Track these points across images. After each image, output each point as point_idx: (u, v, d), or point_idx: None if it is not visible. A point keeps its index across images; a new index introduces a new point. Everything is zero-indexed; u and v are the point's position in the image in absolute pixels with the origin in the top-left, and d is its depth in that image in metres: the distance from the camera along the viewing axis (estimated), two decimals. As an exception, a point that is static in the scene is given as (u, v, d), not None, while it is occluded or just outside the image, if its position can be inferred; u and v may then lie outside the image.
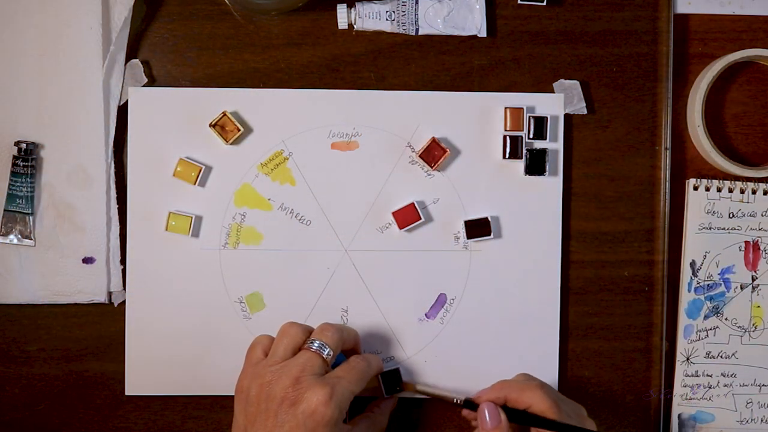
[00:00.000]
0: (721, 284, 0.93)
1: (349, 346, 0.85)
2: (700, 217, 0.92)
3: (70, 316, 0.90)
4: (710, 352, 0.93)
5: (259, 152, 0.90)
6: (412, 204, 0.90)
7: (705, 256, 0.92)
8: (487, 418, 0.81)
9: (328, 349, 0.81)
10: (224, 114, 0.88)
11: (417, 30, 0.89)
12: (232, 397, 0.86)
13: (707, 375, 0.93)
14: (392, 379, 0.88)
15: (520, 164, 0.90)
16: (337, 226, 0.90)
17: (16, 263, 0.89)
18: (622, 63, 0.92)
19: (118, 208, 0.89)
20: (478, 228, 0.90)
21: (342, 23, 0.89)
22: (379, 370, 0.86)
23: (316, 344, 0.81)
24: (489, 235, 0.90)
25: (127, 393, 0.90)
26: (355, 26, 0.90)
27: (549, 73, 0.91)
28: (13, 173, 0.88)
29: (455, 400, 0.86)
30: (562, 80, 0.91)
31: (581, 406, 0.84)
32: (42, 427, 0.90)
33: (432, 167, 0.89)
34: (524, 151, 0.90)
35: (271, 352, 0.81)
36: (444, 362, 0.91)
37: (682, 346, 0.93)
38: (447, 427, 0.92)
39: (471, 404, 0.84)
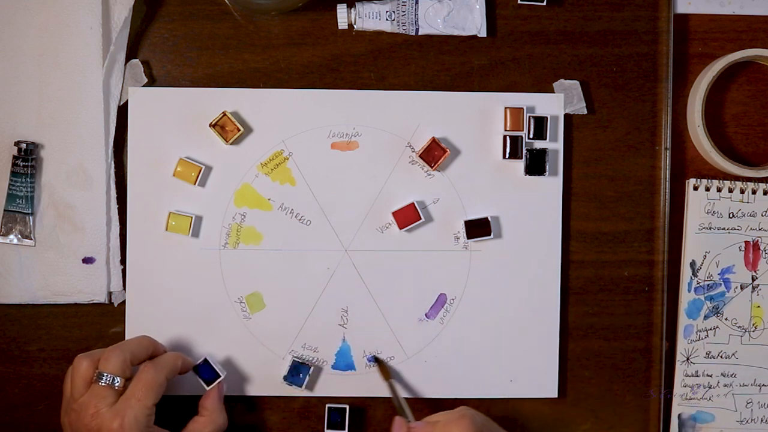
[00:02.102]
0: (721, 284, 0.93)
1: (145, 357, 0.84)
2: (700, 217, 0.92)
3: (70, 316, 0.90)
4: (710, 352, 0.93)
5: (259, 152, 0.90)
6: (412, 204, 0.90)
7: (705, 256, 0.92)
8: None
9: (117, 379, 0.81)
10: (224, 114, 0.88)
11: (417, 30, 0.89)
12: (233, 397, 0.87)
13: (707, 375, 0.93)
14: (208, 369, 0.87)
15: (520, 164, 0.90)
16: (337, 226, 0.90)
17: (16, 263, 0.89)
18: (622, 63, 0.92)
19: (118, 208, 0.89)
20: (478, 228, 0.90)
21: (342, 23, 0.89)
22: (175, 369, 0.85)
23: (103, 378, 0.81)
24: (489, 235, 0.90)
25: (127, 393, 0.90)
26: (355, 26, 0.90)
27: (549, 73, 0.91)
28: (13, 173, 0.88)
29: (408, 420, 0.85)
30: (562, 80, 0.91)
31: None
32: (42, 427, 0.90)
33: (432, 167, 0.89)
34: (524, 151, 0.90)
35: (71, 389, 0.83)
36: (444, 362, 0.91)
37: (682, 346, 0.93)
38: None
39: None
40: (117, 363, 0.82)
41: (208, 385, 0.87)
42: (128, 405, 0.80)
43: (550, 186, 0.91)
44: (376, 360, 0.90)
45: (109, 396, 0.81)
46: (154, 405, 0.82)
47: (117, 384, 0.81)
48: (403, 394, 0.90)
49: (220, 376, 0.87)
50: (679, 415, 0.93)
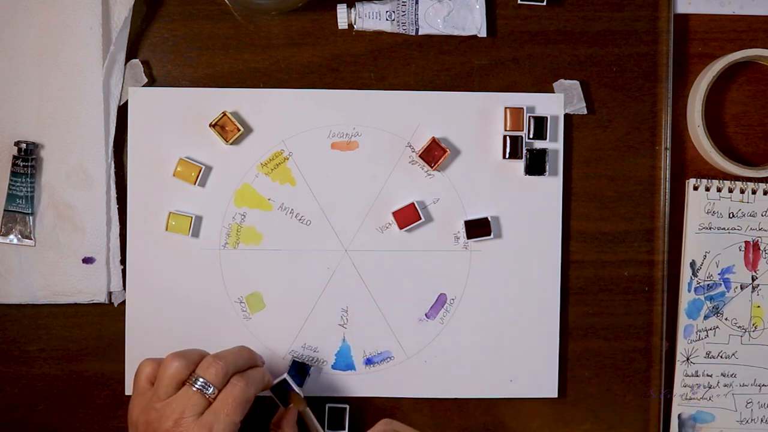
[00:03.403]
0: (721, 284, 0.93)
1: (242, 369, 0.83)
2: (700, 217, 0.92)
3: (70, 316, 0.90)
4: (710, 352, 0.93)
5: (259, 152, 0.90)
6: (412, 204, 0.90)
7: (705, 256, 0.92)
8: None
9: (211, 389, 0.79)
10: (224, 114, 0.88)
11: (417, 30, 0.89)
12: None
13: (707, 375, 0.93)
14: (285, 388, 0.87)
15: (520, 164, 0.90)
16: (337, 226, 0.90)
17: (16, 263, 0.89)
18: (622, 63, 0.92)
19: (118, 208, 0.89)
20: (478, 228, 0.90)
21: (342, 23, 0.89)
22: (264, 386, 0.84)
23: (199, 383, 0.79)
24: (489, 235, 0.90)
25: (127, 393, 0.90)
26: (355, 26, 0.90)
27: (549, 73, 0.91)
28: (13, 173, 0.88)
29: None
30: (562, 80, 0.91)
31: None
32: (42, 427, 0.90)
33: (432, 167, 0.89)
34: (524, 151, 0.90)
35: (156, 385, 0.80)
36: (444, 362, 0.91)
37: (682, 346, 0.93)
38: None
39: None
40: (218, 372, 0.79)
41: (284, 405, 0.86)
42: (216, 419, 0.78)
43: (550, 186, 0.91)
44: (289, 393, 0.88)
45: (198, 404, 0.78)
46: (240, 422, 0.79)
47: (209, 393, 0.79)
48: (403, 394, 0.90)
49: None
50: (679, 415, 0.93)
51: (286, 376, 0.87)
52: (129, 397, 0.90)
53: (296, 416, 0.86)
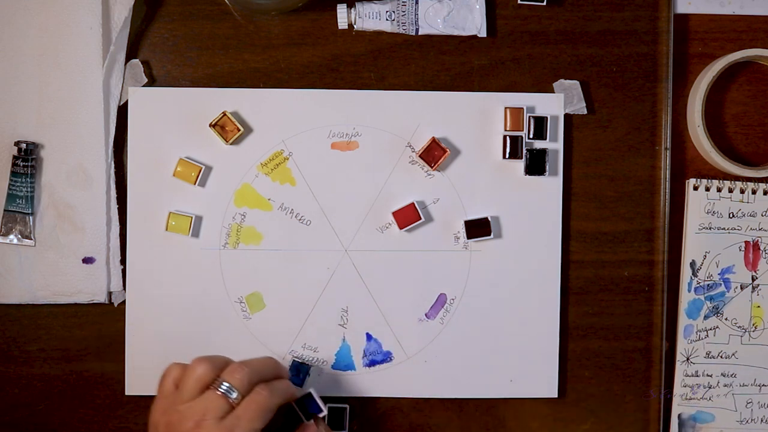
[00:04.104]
0: (721, 284, 0.93)
1: (268, 379, 0.82)
2: (700, 217, 0.92)
3: (70, 316, 0.90)
4: (710, 352, 0.93)
5: (259, 152, 0.90)
6: (412, 204, 0.90)
7: (705, 256, 0.92)
8: None
9: (235, 393, 0.78)
10: (224, 114, 0.88)
11: (417, 30, 0.89)
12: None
13: (707, 375, 0.93)
14: (309, 402, 0.87)
15: (520, 164, 0.90)
16: (337, 226, 0.90)
17: (16, 263, 0.89)
18: (622, 63, 0.92)
19: (118, 208, 0.89)
20: (478, 228, 0.90)
21: (342, 23, 0.89)
22: (288, 397, 0.83)
23: (223, 387, 0.79)
24: (489, 235, 0.90)
25: (127, 393, 0.90)
26: (355, 26, 0.90)
27: (549, 73, 0.91)
28: (13, 173, 0.88)
29: None
30: (562, 80, 0.91)
31: None
32: (42, 427, 0.90)
33: (432, 167, 0.89)
34: (524, 151, 0.90)
35: (180, 388, 0.80)
36: (444, 362, 0.91)
37: (682, 346, 0.93)
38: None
39: None
40: (243, 378, 0.79)
41: (307, 419, 0.86)
42: (238, 424, 0.77)
43: (550, 186, 0.91)
44: (315, 413, 0.88)
45: (221, 408, 0.78)
46: (261, 430, 0.79)
47: (233, 398, 0.78)
48: (403, 394, 0.90)
49: (322, 411, 0.87)
50: (679, 415, 0.93)
51: (312, 390, 0.87)
52: (129, 397, 0.90)
53: (323, 428, 0.86)
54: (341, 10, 0.89)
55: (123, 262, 0.90)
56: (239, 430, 0.77)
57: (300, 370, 0.89)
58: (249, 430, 0.78)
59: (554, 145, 0.91)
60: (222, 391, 0.79)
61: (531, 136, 0.90)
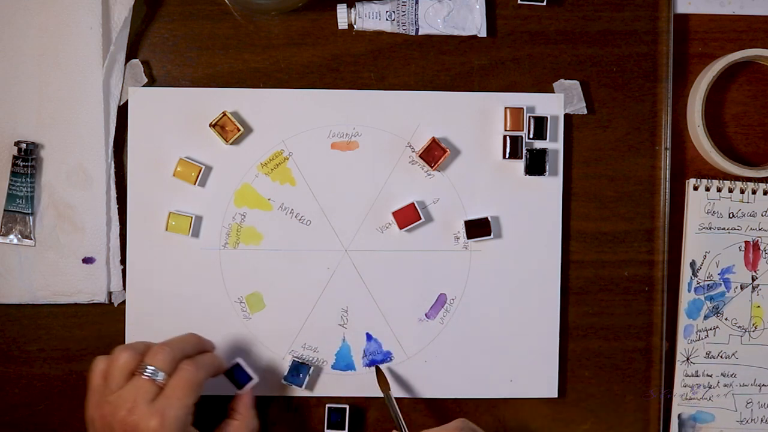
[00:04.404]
0: (721, 284, 0.93)
1: (190, 354, 0.83)
2: (700, 217, 0.92)
3: (70, 316, 0.90)
4: (710, 352, 0.93)
5: (259, 152, 0.90)
6: (412, 204, 0.90)
7: (705, 256, 0.92)
8: None
9: (161, 374, 0.79)
10: (224, 114, 0.88)
11: (417, 30, 0.89)
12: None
13: (707, 375, 0.93)
14: (238, 372, 0.87)
15: (520, 164, 0.90)
16: (337, 226, 0.90)
17: (16, 263, 0.89)
18: (622, 63, 0.92)
19: (118, 208, 0.89)
20: (478, 228, 0.90)
21: (342, 23, 0.89)
22: (215, 370, 0.84)
23: (148, 370, 0.79)
24: (489, 235, 0.90)
25: (127, 393, 0.90)
26: (355, 26, 0.90)
27: (549, 73, 0.91)
28: (13, 173, 0.88)
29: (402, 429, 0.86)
30: (562, 80, 0.91)
31: None
32: (42, 427, 0.90)
33: (432, 167, 0.89)
34: (524, 151, 0.90)
35: (107, 381, 0.80)
36: (444, 362, 0.91)
37: (682, 346, 0.93)
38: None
39: None
40: (166, 358, 0.80)
41: (239, 388, 0.87)
42: (168, 404, 0.78)
43: (550, 186, 0.91)
44: (376, 369, 0.89)
45: (149, 391, 0.78)
46: (194, 405, 0.80)
47: (159, 379, 0.79)
48: (403, 394, 0.90)
49: (252, 379, 0.87)
50: (679, 415, 0.93)
51: (239, 360, 0.87)
52: (129, 397, 0.90)
53: (253, 400, 0.87)
54: (341, 10, 0.89)
55: (123, 262, 0.90)
56: (171, 410, 0.78)
57: (300, 370, 0.89)
58: (181, 407, 0.78)
59: (554, 145, 0.91)
60: (147, 374, 0.79)
61: (531, 136, 0.90)
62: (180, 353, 0.81)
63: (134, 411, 0.77)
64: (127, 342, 0.89)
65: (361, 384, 0.91)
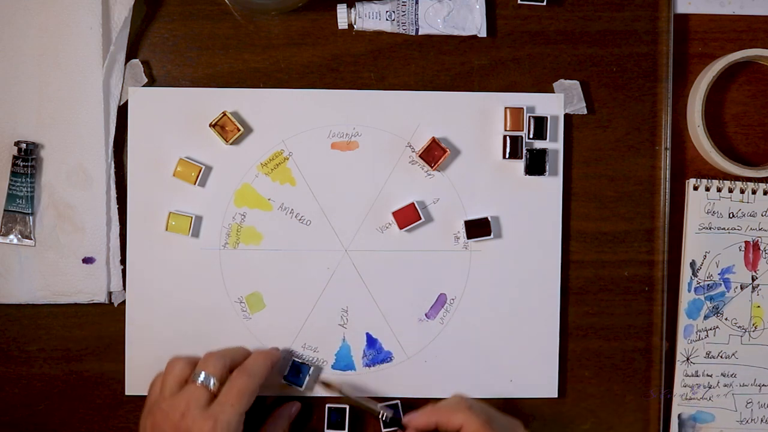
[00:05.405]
0: (721, 284, 0.93)
1: (242, 362, 0.84)
2: (700, 217, 0.92)
3: (70, 316, 0.90)
4: (710, 352, 0.93)
5: (259, 152, 0.90)
6: (412, 204, 0.90)
7: (705, 256, 0.92)
8: None
9: (213, 380, 0.81)
10: (224, 114, 0.88)
11: (417, 30, 0.89)
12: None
13: (707, 375, 0.93)
14: (299, 371, 0.89)
15: (520, 164, 0.90)
16: (337, 226, 0.90)
17: (16, 263, 0.89)
18: (622, 63, 0.92)
19: (118, 208, 0.89)
20: (478, 228, 0.90)
21: (342, 23, 0.89)
22: (267, 372, 0.85)
23: (201, 377, 0.81)
24: (489, 235, 0.90)
25: (127, 393, 0.90)
26: (355, 26, 0.90)
27: (549, 73, 0.91)
28: (13, 173, 0.88)
29: (381, 415, 0.86)
30: (562, 80, 0.91)
31: (518, 422, 0.85)
32: (42, 427, 0.90)
33: (432, 167, 0.89)
34: (524, 151, 0.90)
35: (161, 390, 0.82)
36: (444, 362, 0.91)
37: (682, 346, 0.93)
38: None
39: (397, 423, 0.85)
40: (217, 365, 0.81)
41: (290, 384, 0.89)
42: (222, 409, 0.79)
43: (550, 186, 0.91)
44: (324, 384, 0.89)
45: (202, 397, 0.80)
46: (245, 412, 0.81)
47: (212, 385, 0.80)
48: (403, 394, 0.90)
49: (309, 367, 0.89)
50: (679, 415, 0.93)
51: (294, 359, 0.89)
52: (129, 397, 0.90)
53: (296, 411, 0.88)
54: (341, 10, 0.89)
55: (123, 262, 0.90)
56: (224, 415, 0.79)
57: (300, 370, 0.89)
58: (234, 414, 0.79)
59: (554, 145, 0.91)
60: (200, 381, 0.81)
61: (531, 136, 0.90)
62: (231, 361, 0.83)
63: (187, 416, 0.79)
64: (127, 342, 0.89)
65: (361, 384, 0.91)
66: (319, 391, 0.90)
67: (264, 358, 0.85)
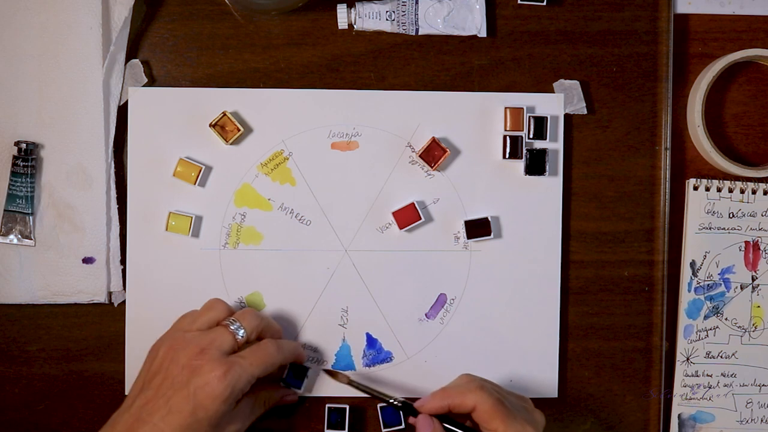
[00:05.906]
0: (721, 284, 0.93)
1: (277, 338, 0.86)
2: (700, 217, 0.92)
3: (70, 316, 0.90)
4: (710, 352, 0.93)
5: (259, 152, 0.90)
6: (412, 204, 0.90)
7: (705, 256, 0.92)
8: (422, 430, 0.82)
9: (242, 332, 0.82)
10: (224, 114, 0.88)
11: (417, 30, 0.89)
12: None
13: (707, 375, 0.93)
14: (299, 372, 0.88)
15: (520, 164, 0.90)
16: (337, 226, 0.90)
17: (16, 263, 0.89)
18: (622, 63, 0.92)
19: (118, 208, 0.89)
20: (478, 228, 0.90)
21: (342, 23, 0.89)
22: (292, 357, 0.86)
23: (233, 325, 0.82)
24: (489, 235, 0.90)
25: (127, 393, 0.90)
26: (355, 26, 0.90)
27: (549, 73, 0.91)
28: (13, 173, 0.88)
29: (392, 401, 0.86)
30: (562, 80, 0.91)
31: (527, 398, 0.85)
32: (42, 427, 0.90)
33: (432, 167, 0.89)
34: (524, 151, 0.90)
35: (193, 320, 0.83)
36: (444, 362, 0.91)
37: (682, 346, 0.93)
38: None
39: (410, 409, 0.85)
40: (252, 323, 0.83)
41: (284, 383, 0.88)
42: (239, 362, 0.80)
43: (550, 186, 0.91)
44: (328, 373, 0.89)
45: (226, 343, 0.80)
46: (257, 378, 0.81)
47: (241, 337, 0.82)
48: (403, 394, 0.90)
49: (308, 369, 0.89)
50: (679, 415, 0.93)
51: (312, 367, 0.90)
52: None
53: (279, 400, 0.88)
54: (341, 10, 0.89)
55: (123, 262, 0.90)
56: (238, 368, 0.79)
57: (299, 371, 0.89)
58: (248, 373, 0.80)
59: (554, 145, 0.91)
60: (232, 328, 0.82)
61: (531, 136, 0.90)
62: (265, 326, 0.84)
63: (205, 354, 0.79)
64: (127, 342, 0.89)
65: (361, 384, 0.90)
66: (322, 387, 0.90)
67: (296, 346, 0.87)
